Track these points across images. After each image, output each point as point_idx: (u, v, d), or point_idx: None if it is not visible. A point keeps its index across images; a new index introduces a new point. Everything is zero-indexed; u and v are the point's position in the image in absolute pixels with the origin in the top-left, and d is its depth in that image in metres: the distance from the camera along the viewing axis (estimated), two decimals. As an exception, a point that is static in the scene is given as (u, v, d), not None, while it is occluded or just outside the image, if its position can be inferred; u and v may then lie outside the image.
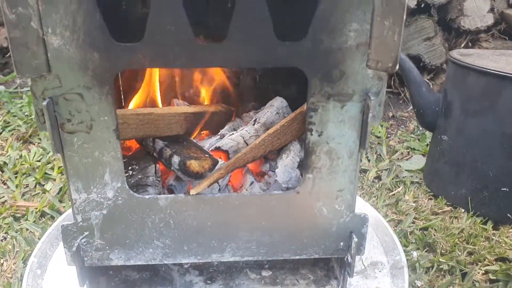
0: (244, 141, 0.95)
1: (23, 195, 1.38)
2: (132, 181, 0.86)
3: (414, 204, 1.35)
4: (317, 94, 0.72)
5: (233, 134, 0.97)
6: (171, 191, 0.89)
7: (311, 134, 0.75)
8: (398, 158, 1.66)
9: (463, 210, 1.32)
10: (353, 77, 0.70)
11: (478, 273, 1.08)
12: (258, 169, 1.00)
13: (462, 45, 2.07)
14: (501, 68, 1.18)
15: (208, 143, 0.97)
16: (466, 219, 1.27)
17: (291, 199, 0.80)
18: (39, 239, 1.12)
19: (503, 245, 1.17)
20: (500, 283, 1.05)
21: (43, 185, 1.43)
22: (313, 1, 0.66)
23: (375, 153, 1.71)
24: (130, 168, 0.90)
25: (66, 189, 1.36)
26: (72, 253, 0.80)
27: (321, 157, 0.76)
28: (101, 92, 0.69)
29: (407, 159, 1.66)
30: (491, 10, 1.99)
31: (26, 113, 1.93)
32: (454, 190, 1.34)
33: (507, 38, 2.10)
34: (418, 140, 1.81)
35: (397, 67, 0.67)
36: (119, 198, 0.77)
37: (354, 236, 0.82)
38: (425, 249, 1.16)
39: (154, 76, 1.04)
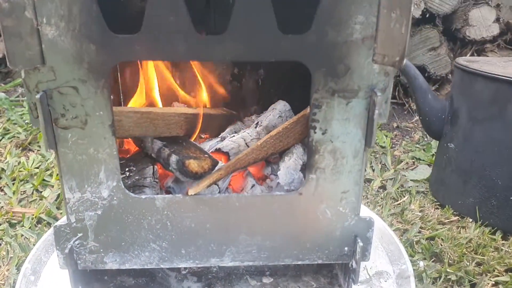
0: (246, 143, 0.93)
1: (20, 201, 1.35)
2: (129, 182, 0.83)
3: (420, 214, 1.32)
4: (321, 90, 0.69)
5: (234, 136, 0.95)
6: (169, 193, 0.86)
7: (315, 132, 0.72)
8: (403, 168, 1.63)
9: (470, 220, 1.29)
10: (359, 72, 0.68)
11: (488, 284, 1.04)
12: (259, 174, 0.97)
13: (468, 55, 2.05)
14: (510, 74, 1.15)
15: (208, 145, 0.94)
16: (474, 229, 1.23)
17: (294, 200, 0.77)
18: (34, 245, 1.09)
19: (513, 255, 1.13)
20: (511, 294, 1.01)
21: (41, 192, 1.40)
22: (317, -8, 0.64)
23: (380, 162, 1.68)
24: (127, 169, 0.87)
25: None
26: (65, 255, 0.77)
27: (325, 157, 0.73)
28: (97, 86, 0.67)
29: (412, 169, 1.63)
30: (497, 20, 1.97)
31: (26, 121, 1.91)
32: (461, 199, 1.31)
33: (513, 48, 2.08)
34: (424, 150, 1.78)
35: (404, 61, 0.64)
36: (115, 198, 0.74)
37: (359, 240, 0.79)
38: (432, 259, 1.13)
39: (153, 80, 1.02)
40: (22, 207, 1.32)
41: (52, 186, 1.43)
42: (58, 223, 0.76)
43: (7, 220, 1.24)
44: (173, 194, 0.84)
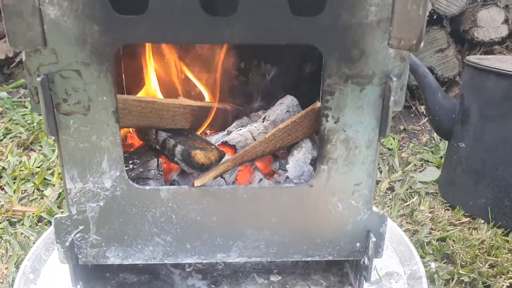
0: (253, 137, 0.90)
1: (20, 200, 1.32)
2: (133, 174, 0.80)
3: (430, 215, 1.28)
4: (334, 75, 0.66)
5: (241, 129, 0.92)
6: (174, 187, 0.83)
7: (327, 121, 0.69)
8: (411, 170, 1.60)
9: (482, 221, 1.25)
10: (374, 57, 0.65)
11: (502, 285, 1.01)
12: (267, 169, 0.94)
13: (476, 57, 2.03)
14: (523, 70, 1.12)
15: (215, 139, 0.91)
16: (486, 230, 1.20)
17: (304, 193, 0.73)
18: (34, 243, 1.06)
19: (528, 257, 1.09)
20: (527, 296, 0.97)
21: (42, 191, 1.37)
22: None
23: (387, 164, 1.64)
24: (131, 162, 0.85)
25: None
26: (66, 249, 0.73)
27: (337, 147, 0.70)
28: (100, 70, 0.64)
29: (420, 171, 1.59)
30: (506, 21, 1.95)
31: (28, 121, 1.88)
32: (472, 200, 1.27)
33: (522, 50, 2.05)
34: (432, 152, 1.75)
35: (421, 45, 0.61)
36: (118, 189, 0.71)
37: (372, 235, 0.75)
38: (444, 261, 1.09)
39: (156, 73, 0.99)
40: (22, 205, 1.29)
41: (54, 185, 1.40)
42: (59, 215, 0.73)
43: (7, 218, 1.21)
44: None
